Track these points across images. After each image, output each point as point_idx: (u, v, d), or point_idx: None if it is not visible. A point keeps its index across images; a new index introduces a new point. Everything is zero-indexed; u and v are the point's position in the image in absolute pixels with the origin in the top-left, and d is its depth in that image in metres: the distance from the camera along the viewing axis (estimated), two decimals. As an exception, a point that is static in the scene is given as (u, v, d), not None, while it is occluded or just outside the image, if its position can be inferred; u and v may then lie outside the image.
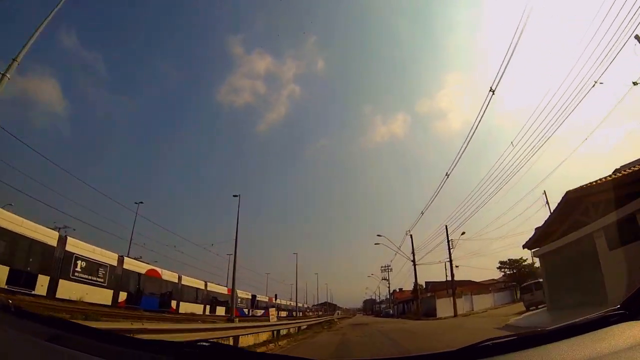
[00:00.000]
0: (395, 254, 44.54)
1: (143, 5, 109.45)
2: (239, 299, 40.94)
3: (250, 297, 49.10)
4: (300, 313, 68.21)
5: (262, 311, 45.86)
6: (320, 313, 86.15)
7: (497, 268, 52.24)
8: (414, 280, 50.64)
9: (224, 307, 37.48)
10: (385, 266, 69.16)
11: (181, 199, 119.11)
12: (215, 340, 7.55)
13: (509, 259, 48.88)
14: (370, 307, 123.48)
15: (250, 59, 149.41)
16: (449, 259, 36.42)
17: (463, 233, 35.54)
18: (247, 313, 44.18)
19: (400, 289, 77.71)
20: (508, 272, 51.42)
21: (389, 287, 75.25)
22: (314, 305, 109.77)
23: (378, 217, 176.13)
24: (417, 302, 41.47)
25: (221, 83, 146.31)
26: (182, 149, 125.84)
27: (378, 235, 48.28)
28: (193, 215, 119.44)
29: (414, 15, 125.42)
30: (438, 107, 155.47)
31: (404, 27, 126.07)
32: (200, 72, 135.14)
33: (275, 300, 59.24)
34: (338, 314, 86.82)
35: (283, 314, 51.65)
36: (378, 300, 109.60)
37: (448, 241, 35.39)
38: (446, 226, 34.59)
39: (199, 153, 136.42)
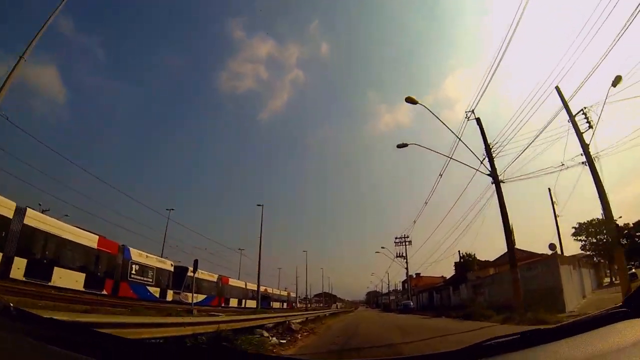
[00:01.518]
0: (415, 221, 34.83)
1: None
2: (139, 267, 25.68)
3: (171, 267, 29.96)
4: (285, 304, 59.40)
5: (204, 296, 33.51)
6: (316, 305, 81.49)
7: (572, 235, 34.73)
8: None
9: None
10: (401, 238, 46.08)
11: (181, 192, 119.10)
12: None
13: (594, 219, 29.86)
14: (374, 299, 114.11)
15: (251, 43, 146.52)
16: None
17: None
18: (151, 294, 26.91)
19: (418, 274, 59.45)
20: (591, 241, 33.36)
21: (407, 268, 46.17)
22: (314, 297, 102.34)
23: (383, 209, 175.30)
24: (515, 273, 15.34)
25: (222, 68, 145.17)
26: (181, 140, 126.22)
27: (382, 248, 46.98)
28: (196, 208, 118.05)
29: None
30: (445, 96, 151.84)
31: (409, 10, 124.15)
32: (201, 57, 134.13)
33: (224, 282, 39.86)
34: (337, 307, 78.27)
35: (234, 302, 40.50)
36: (383, 292, 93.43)
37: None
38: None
39: (201, 146, 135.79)
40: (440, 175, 22.71)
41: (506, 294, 18.69)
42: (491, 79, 15.68)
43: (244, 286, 44.64)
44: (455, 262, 42.20)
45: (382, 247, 47.92)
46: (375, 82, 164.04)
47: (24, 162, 24.73)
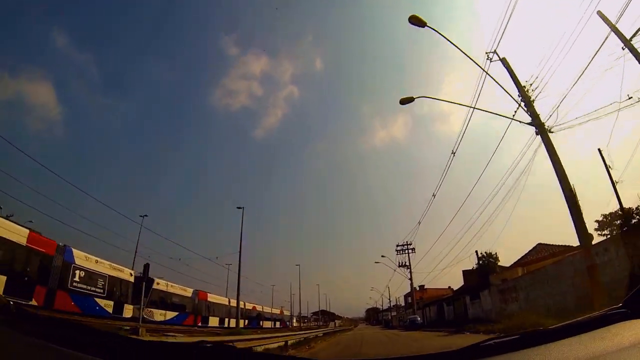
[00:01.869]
0: (420, 222, 32.89)
1: (133, 3, 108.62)
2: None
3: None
4: (278, 323, 55.82)
5: (176, 314, 30.35)
6: (314, 324, 76.31)
7: (596, 230, 26.28)
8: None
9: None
10: (403, 245, 43.01)
11: (175, 207, 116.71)
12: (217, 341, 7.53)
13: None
14: (374, 315, 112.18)
15: (245, 60, 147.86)
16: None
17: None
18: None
19: (422, 287, 56.47)
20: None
21: (410, 278, 42.73)
22: (312, 314, 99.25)
23: (381, 225, 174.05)
24: (589, 254, 10.78)
25: (216, 85, 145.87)
26: (176, 156, 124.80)
27: (382, 256, 44.09)
28: (190, 223, 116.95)
29: (411, 9, 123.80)
30: (439, 109, 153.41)
31: (400, 23, 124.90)
32: (195, 73, 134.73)
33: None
34: (335, 325, 71.67)
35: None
36: (384, 308, 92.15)
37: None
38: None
39: (195, 160, 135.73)
40: (434, 195, 22.51)
41: (561, 293, 15.69)
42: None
43: (226, 303, 38.72)
44: (465, 270, 36.83)
45: (383, 256, 44.84)
46: (369, 95, 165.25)
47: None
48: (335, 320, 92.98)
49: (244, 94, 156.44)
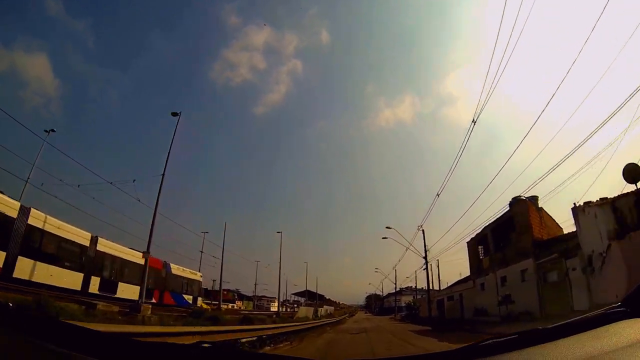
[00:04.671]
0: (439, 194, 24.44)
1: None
2: None
3: None
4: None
5: None
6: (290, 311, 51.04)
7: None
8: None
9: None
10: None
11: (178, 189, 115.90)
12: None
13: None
14: (376, 303, 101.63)
15: (247, 31, 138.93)
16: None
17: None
18: None
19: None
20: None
21: (425, 256, 31.09)
22: (293, 295, 79.53)
23: (383, 210, 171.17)
24: None
25: (216, 58, 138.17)
26: (172, 132, 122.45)
27: (387, 228, 33.26)
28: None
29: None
30: (447, 92, 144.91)
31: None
32: (194, 45, 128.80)
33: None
34: (319, 314, 42.09)
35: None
36: (383, 295, 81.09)
37: None
38: None
39: (194, 140, 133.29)
40: (438, 195, 21.80)
41: None
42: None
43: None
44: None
45: (388, 227, 34.08)
46: (375, 75, 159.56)
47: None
48: (325, 307, 60.47)
49: (245, 67, 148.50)
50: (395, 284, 60.73)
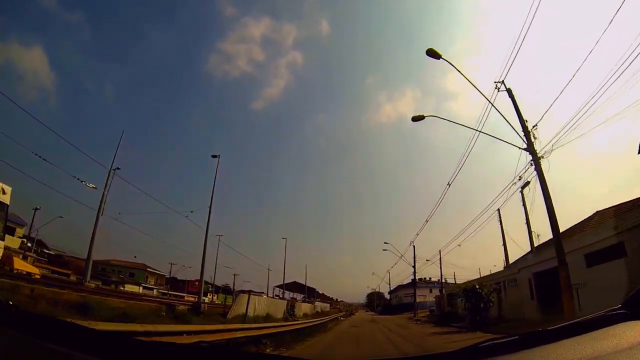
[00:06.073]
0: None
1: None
2: None
3: None
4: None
5: None
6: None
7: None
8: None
9: None
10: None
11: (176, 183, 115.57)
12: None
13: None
14: (378, 301, 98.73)
15: (245, 22, 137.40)
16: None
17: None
18: None
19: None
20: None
21: (414, 268, 42.58)
22: (276, 288, 66.15)
23: (384, 209, 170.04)
24: None
25: (213, 49, 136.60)
26: (168, 127, 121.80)
27: (385, 243, 43.76)
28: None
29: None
30: (448, 88, 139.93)
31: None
32: (190, 35, 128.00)
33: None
34: (307, 313, 32.29)
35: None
36: (390, 290, 74.68)
37: None
38: None
39: (189, 133, 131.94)
40: (449, 184, 20.54)
41: None
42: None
43: None
44: None
45: (386, 243, 45.18)
46: (376, 68, 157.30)
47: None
48: (316, 303, 50.41)
49: (243, 59, 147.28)
50: (415, 270, 43.41)
